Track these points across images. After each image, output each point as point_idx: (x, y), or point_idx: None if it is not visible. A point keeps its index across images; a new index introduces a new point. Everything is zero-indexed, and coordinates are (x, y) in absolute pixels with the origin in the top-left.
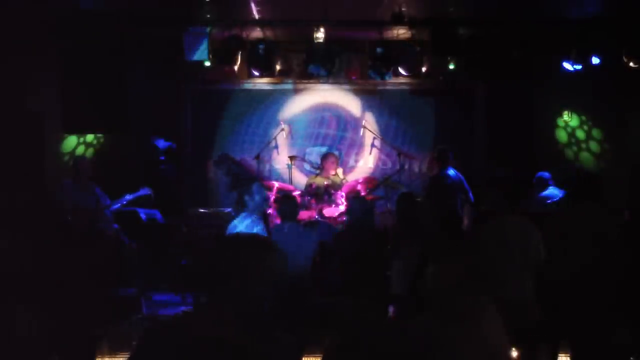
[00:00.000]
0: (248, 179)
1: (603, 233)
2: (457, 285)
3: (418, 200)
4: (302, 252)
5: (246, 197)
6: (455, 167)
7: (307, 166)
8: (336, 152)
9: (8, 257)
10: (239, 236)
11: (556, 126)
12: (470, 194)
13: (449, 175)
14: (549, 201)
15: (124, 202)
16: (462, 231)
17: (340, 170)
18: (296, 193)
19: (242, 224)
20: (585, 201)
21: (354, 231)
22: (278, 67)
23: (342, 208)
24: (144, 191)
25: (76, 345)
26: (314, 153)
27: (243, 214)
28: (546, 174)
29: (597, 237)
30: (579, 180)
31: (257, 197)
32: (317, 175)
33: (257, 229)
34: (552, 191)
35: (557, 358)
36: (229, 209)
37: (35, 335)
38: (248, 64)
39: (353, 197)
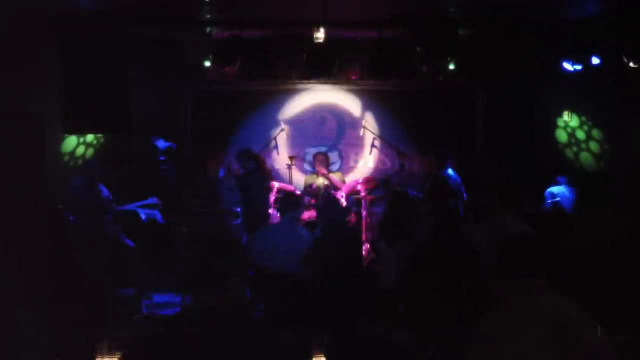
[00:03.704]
0: (259, 179)
1: (614, 234)
2: None
3: (412, 201)
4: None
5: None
6: (454, 168)
7: (307, 166)
8: (323, 149)
9: (7, 258)
10: None
11: (556, 126)
12: (465, 195)
13: (449, 176)
14: (549, 201)
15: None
16: (458, 232)
17: (334, 169)
18: (296, 193)
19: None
20: (597, 203)
21: (331, 233)
22: (278, 67)
23: None
24: (152, 200)
25: (76, 346)
26: (314, 153)
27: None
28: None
29: (608, 238)
30: (592, 183)
31: None
32: (316, 175)
33: None
34: (557, 189)
35: None
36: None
37: (36, 336)
38: (248, 64)
39: (325, 201)
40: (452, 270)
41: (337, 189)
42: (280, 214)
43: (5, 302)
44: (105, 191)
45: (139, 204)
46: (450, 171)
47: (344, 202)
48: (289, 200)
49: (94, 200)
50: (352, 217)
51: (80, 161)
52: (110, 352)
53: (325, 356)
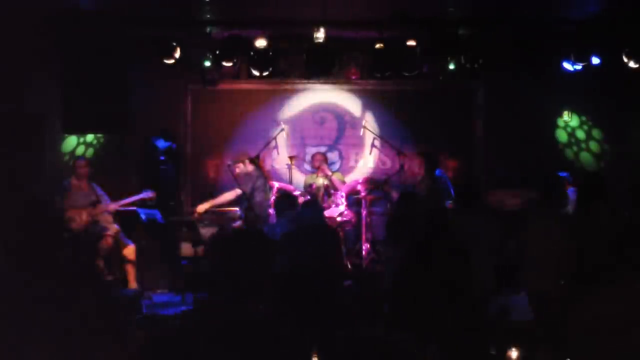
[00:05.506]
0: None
1: (612, 233)
2: None
3: (419, 202)
4: None
5: None
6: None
7: (307, 166)
8: (323, 149)
9: (6, 259)
10: None
11: (556, 126)
12: (452, 192)
13: (440, 177)
14: None
15: (126, 202)
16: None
17: (334, 169)
18: (296, 193)
19: None
20: (593, 202)
21: (302, 231)
22: (278, 67)
23: (342, 208)
24: (146, 193)
25: (76, 346)
26: (312, 153)
27: None
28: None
29: (607, 237)
30: (587, 182)
31: None
32: (316, 175)
33: None
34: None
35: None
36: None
37: (35, 336)
38: (248, 64)
39: (303, 204)
40: (444, 269)
41: (337, 189)
42: (276, 215)
43: (5, 303)
44: (99, 190)
45: (133, 198)
46: (439, 172)
47: (343, 202)
48: (284, 201)
49: (90, 200)
50: (353, 218)
51: None
52: (110, 352)
53: (324, 356)
